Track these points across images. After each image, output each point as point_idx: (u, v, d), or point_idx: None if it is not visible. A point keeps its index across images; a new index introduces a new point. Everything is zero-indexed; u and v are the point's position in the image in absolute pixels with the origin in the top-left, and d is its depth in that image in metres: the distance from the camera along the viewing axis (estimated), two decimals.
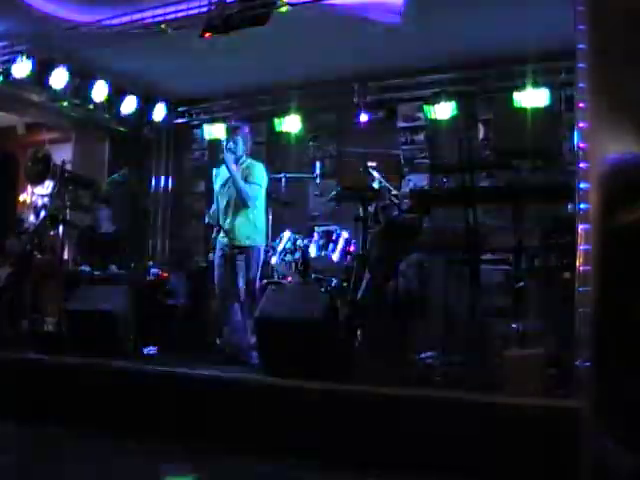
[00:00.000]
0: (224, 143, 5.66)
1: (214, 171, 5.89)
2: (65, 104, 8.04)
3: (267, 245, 6.06)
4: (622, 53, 1.91)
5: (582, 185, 3.61)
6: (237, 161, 5.61)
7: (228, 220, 5.59)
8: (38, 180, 6.82)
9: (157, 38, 6.32)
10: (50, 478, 3.87)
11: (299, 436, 4.13)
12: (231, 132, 5.75)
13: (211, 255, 7.02)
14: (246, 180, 5.54)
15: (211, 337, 7.01)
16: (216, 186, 5.82)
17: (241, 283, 5.50)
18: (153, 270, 7.63)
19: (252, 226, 5.56)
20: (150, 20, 6.25)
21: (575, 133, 3.95)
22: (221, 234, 5.68)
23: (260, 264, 5.58)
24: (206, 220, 6.24)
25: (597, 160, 1.90)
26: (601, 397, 1.81)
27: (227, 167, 5.52)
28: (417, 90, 7.66)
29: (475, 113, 7.43)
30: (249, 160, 5.71)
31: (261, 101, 8.51)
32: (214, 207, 5.86)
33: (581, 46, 3.15)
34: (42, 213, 6.88)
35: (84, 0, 6.30)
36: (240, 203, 5.52)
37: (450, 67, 7.40)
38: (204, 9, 6.01)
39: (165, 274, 7.58)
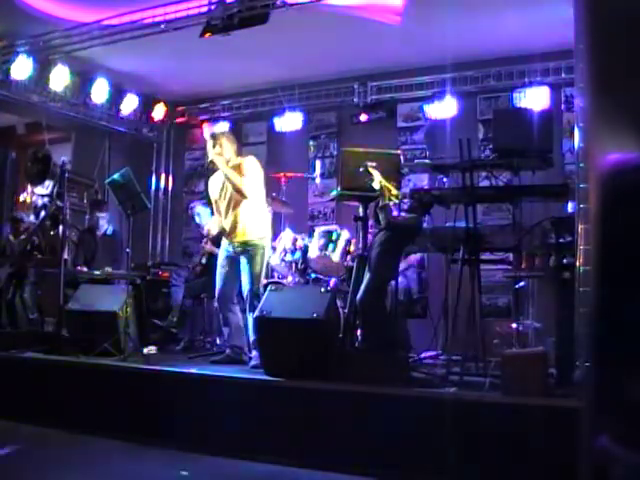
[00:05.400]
0: (210, 149, 5.57)
1: (210, 181, 5.79)
2: (65, 104, 8.06)
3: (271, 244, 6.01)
4: (622, 53, 1.91)
5: (582, 185, 3.62)
6: (227, 163, 5.53)
7: (230, 219, 5.53)
8: (38, 180, 6.80)
9: (157, 38, 6.33)
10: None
11: (299, 436, 4.13)
12: (215, 138, 5.63)
13: (204, 259, 7.04)
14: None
15: (211, 337, 7.02)
16: (214, 194, 5.69)
17: (242, 282, 5.47)
18: (153, 270, 7.64)
19: (254, 223, 5.49)
20: (150, 20, 6.26)
21: (575, 133, 3.97)
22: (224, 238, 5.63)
23: (262, 264, 5.52)
24: (205, 230, 6.27)
25: (597, 160, 1.90)
26: (601, 397, 1.80)
27: (218, 164, 5.44)
28: (417, 90, 7.69)
29: (475, 113, 7.44)
30: (238, 159, 5.59)
31: (261, 101, 8.53)
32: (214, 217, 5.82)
33: (581, 46, 3.15)
34: (42, 213, 6.87)
35: (84, 0, 6.31)
36: (239, 197, 5.45)
37: (450, 67, 7.41)
38: (204, 9, 6.02)
39: (165, 274, 7.58)
